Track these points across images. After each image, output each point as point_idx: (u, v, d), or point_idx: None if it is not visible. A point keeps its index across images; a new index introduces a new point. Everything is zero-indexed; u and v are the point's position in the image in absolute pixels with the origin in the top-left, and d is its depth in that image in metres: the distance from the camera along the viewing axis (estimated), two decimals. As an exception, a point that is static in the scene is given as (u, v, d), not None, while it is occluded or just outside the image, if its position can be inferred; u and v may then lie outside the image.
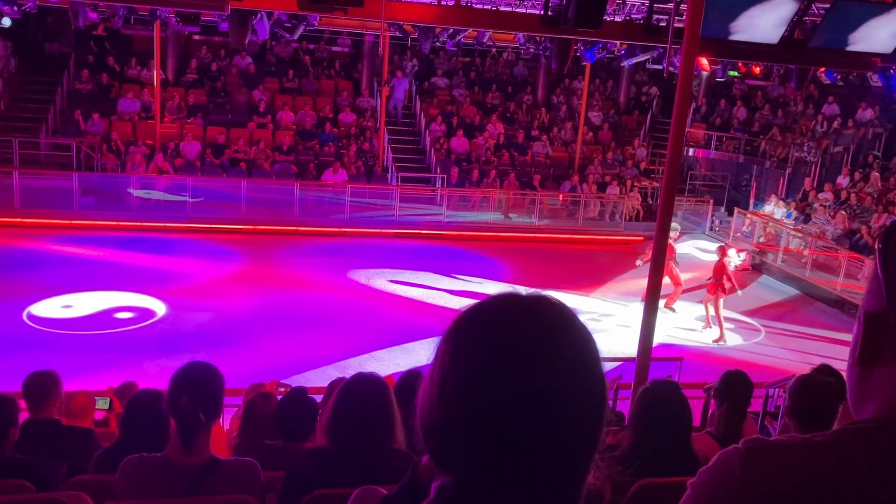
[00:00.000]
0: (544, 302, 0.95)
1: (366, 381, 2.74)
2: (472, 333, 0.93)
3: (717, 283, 12.23)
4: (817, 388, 2.92)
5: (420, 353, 10.15)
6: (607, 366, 7.89)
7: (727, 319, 12.59)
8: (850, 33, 11.51)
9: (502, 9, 13.81)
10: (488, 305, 0.95)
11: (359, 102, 21.84)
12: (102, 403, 6.00)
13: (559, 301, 0.96)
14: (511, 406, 0.88)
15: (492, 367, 0.89)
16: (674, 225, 13.56)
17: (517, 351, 0.90)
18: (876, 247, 0.99)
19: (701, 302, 12.92)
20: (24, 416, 4.21)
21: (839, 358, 8.48)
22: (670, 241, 13.07)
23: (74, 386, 6.37)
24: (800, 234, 17.31)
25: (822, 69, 15.27)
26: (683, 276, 13.53)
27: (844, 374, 1.09)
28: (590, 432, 0.93)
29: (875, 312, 0.97)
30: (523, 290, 0.97)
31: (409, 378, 3.95)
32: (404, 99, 21.93)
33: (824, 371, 3.25)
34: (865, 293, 1.01)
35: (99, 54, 21.04)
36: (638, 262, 13.58)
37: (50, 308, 11.54)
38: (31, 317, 11.20)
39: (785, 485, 0.91)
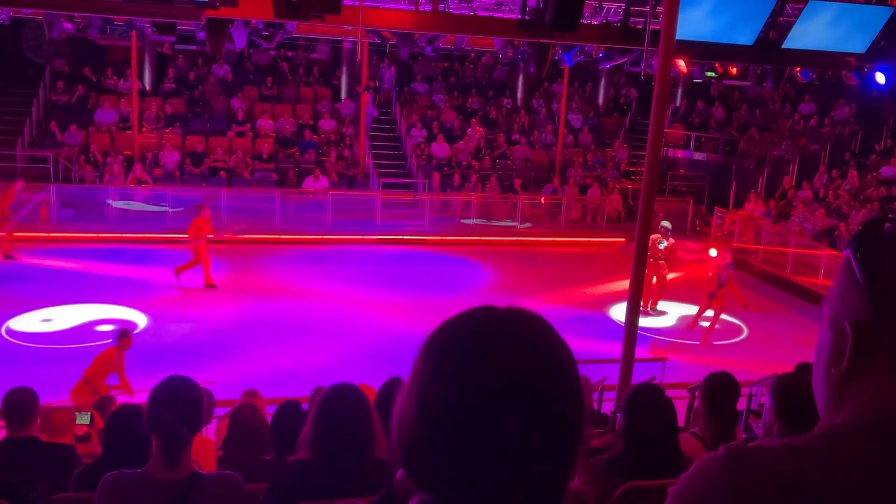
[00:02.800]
0: (521, 315, 0.95)
1: (342, 392, 2.72)
2: (449, 349, 0.93)
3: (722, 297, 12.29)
4: (803, 386, 2.93)
5: (404, 360, 10.09)
6: (592, 368, 7.93)
7: (709, 318, 12.67)
8: (824, 33, 11.64)
9: (480, 14, 13.83)
10: (465, 320, 0.95)
11: (338, 106, 21.76)
12: (83, 419, 5.93)
13: (536, 314, 0.95)
14: (489, 422, 0.88)
15: (470, 383, 0.89)
16: (665, 223, 13.66)
17: (495, 366, 0.89)
18: (852, 254, 0.98)
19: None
20: (1, 434, 4.17)
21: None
22: (670, 240, 13.19)
23: (56, 401, 6.31)
24: (779, 233, 17.45)
25: (798, 68, 15.41)
26: (669, 276, 13.61)
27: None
28: (569, 443, 0.93)
29: (864, 322, 0.96)
30: (499, 299, 0.97)
31: (390, 385, 3.93)
32: (374, 113, 21.83)
33: (806, 369, 3.27)
34: (838, 301, 0.99)
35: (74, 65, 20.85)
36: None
37: (29, 322, 11.41)
38: (10, 331, 11.06)
39: (765, 490, 0.91)
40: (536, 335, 0.93)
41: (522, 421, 0.88)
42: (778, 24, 11.75)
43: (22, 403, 4.13)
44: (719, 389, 3.88)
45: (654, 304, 13.39)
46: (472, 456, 0.88)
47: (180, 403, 2.63)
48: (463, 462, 0.88)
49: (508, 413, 0.88)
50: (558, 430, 0.91)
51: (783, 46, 11.70)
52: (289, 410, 3.97)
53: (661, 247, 13.20)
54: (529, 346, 0.91)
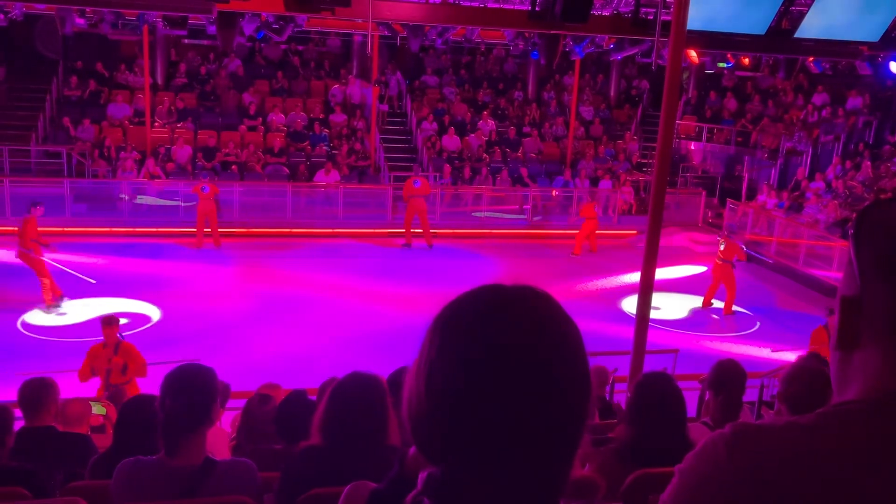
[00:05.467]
0: (529, 292, 0.96)
1: (359, 379, 2.74)
2: (457, 324, 0.94)
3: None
4: (808, 374, 2.94)
5: (414, 352, 10.12)
6: (603, 359, 7.92)
7: (718, 311, 12.69)
8: (837, 22, 11.54)
9: (490, 5, 13.79)
10: (473, 296, 0.96)
11: (348, 91, 21.73)
12: (99, 409, 6.00)
13: (544, 291, 0.97)
14: (497, 396, 0.89)
15: (478, 357, 0.90)
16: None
17: (502, 341, 0.91)
18: (849, 232, 1.01)
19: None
20: (20, 424, 4.21)
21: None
22: (728, 241, 13.22)
23: (71, 393, 6.37)
24: (792, 224, 17.35)
25: (811, 58, 15.29)
26: (684, 270, 13.60)
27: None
28: (574, 420, 0.94)
29: (850, 297, 0.98)
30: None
31: (399, 374, 3.95)
32: (384, 108, 21.79)
33: (815, 358, 3.28)
34: (842, 279, 1.02)
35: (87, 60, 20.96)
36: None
37: (44, 316, 11.51)
38: (26, 325, 11.17)
39: (770, 467, 0.92)
40: (544, 312, 0.94)
41: (528, 396, 0.89)
42: (790, 14, 11.67)
43: (37, 393, 4.18)
44: (724, 375, 3.91)
45: (707, 304, 13.47)
46: (476, 430, 0.90)
47: (183, 391, 2.64)
48: (468, 436, 0.90)
49: (514, 388, 0.89)
50: (564, 405, 0.92)
51: (795, 36, 11.61)
52: (295, 400, 4.00)
53: (721, 248, 13.28)
54: (536, 323, 0.93)
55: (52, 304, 11.44)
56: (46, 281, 11.54)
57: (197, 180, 15.93)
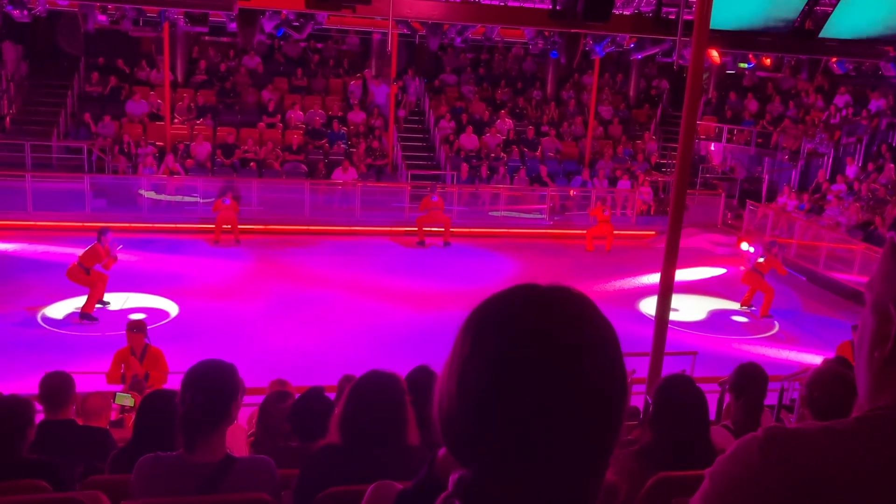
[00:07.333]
0: (564, 292, 0.94)
1: (378, 378, 2.73)
2: (491, 324, 0.92)
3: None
4: (832, 379, 2.90)
5: (430, 350, 10.12)
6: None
7: (739, 313, 12.61)
8: (862, 22, 11.42)
9: (510, 4, 13.75)
10: (508, 296, 0.95)
11: (371, 88, 21.74)
12: (129, 401, 6.09)
13: (579, 291, 0.95)
14: (531, 397, 0.87)
15: (511, 357, 0.89)
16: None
17: (537, 341, 0.89)
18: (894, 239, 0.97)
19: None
20: (39, 416, 4.24)
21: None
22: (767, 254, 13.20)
23: (89, 387, 6.42)
24: (813, 227, 17.18)
25: (834, 59, 15.14)
26: (702, 272, 13.53)
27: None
28: (610, 422, 0.92)
29: None
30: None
31: (418, 373, 3.94)
32: (386, 104, 21.75)
33: (840, 362, 3.23)
34: (882, 284, 0.99)
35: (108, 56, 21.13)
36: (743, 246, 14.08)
37: (64, 310, 11.61)
38: (46, 318, 11.27)
39: (804, 472, 0.90)
40: (580, 312, 0.93)
41: (562, 397, 0.88)
42: (814, 14, 11.56)
43: (58, 387, 4.21)
44: (745, 378, 3.88)
45: (747, 303, 13.52)
46: (508, 430, 0.88)
47: (202, 387, 2.65)
48: (499, 436, 0.88)
49: (548, 388, 0.87)
50: (598, 408, 0.90)
51: (819, 36, 11.50)
52: (312, 398, 3.99)
53: (760, 260, 13.33)
54: (572, 323, 0.91)
55: (85, 313, 11.40)
56: (94, 292, 11.42)
57: (218, 197, 15.97)
